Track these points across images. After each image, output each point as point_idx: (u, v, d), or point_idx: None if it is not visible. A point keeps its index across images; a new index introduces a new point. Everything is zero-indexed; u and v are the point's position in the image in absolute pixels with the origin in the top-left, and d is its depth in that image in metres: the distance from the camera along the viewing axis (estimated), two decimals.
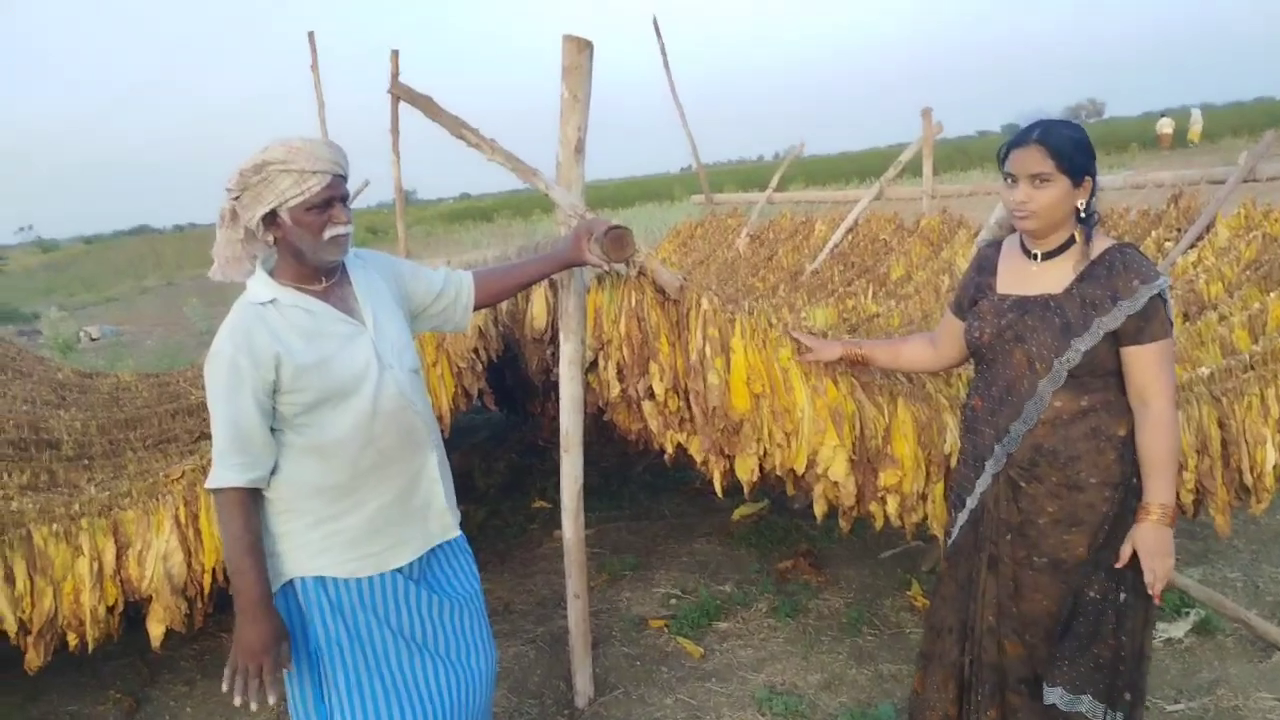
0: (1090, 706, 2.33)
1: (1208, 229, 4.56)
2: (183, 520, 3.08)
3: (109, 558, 3.03)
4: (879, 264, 6.23)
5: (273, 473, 2.10)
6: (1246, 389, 3.03)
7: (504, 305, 3.47)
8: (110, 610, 3.06)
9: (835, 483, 2.97)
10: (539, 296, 3.35)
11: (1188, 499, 2.98)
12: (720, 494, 3.21)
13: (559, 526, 3.28)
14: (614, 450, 5.54)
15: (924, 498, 3.05)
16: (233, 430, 2.03)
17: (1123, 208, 5.43)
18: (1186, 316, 3.88)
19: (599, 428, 4.06)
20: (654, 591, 4.35)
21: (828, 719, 3.25)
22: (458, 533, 2.38)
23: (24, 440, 4.12)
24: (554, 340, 3.25)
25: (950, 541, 2.55)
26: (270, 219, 2.07)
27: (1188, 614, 3.66)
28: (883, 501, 3.03)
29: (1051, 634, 2.36)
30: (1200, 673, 3.37)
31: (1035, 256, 2.34)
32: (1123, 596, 2.31)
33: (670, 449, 3.18)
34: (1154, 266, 2.24)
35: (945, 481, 3.01)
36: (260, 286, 2.12)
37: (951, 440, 2.96)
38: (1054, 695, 2.34)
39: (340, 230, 2.09)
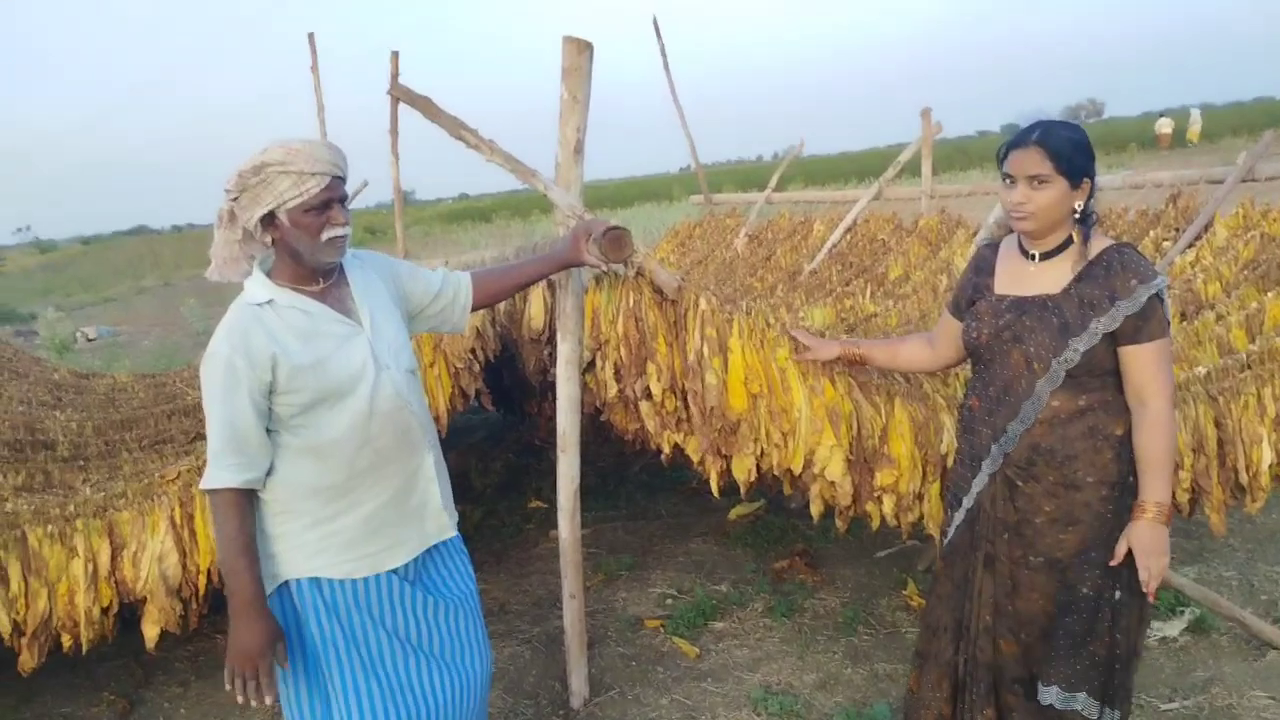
0: (1085, 704, 2.33)
1: (1206, 229, 4.56)
2: (178, 521, 3.07)
3: (104, 559, 3.02)
4: (877, 264, 6.24)
5: (268, 474, 2.10)
6: (1243, 388, 3.03)
7: (502, 305, 3.47)
8: (105, 611, 3.05)
9: (832, 482, 2.98)
10: (537, 297, 3.35)
11: (1183, 498, 2.99)
12: (717, 494, 3.21)
13: (555, 526, 3.28)
14: (611, 450, 5.54)
15: (920, 497, 3.05)
16: (228, 431, 2.02)
17: (1121, 207, 5.43)
18: (1184, 316, 3.89)
19: (596, 428, 4.06)
20: (650, 591, 4.34)
21: (823, 719, 3.25)
22: (454, 533, 2.38)
23: (19, 441, 4.11)
24: (551, 340, 3.25)
25: (946, 541, 2.55)
26: (268, 220, 2.07)
27: (1183, 613, 3.66)
28: (879, 501, 3.04)
29: (1048, 633, 2.36)
30: (1195, 671, 3.38)
31: (1033, 257, 2.34)
32: (1118, 594, 2.31)
33: (667, 449, 3.18)
34: (1152, 266, 2.24)
35: (941, 481, 3.01)
36: (257, 287, 2.12)
37: (948, 440, 2.96)
38: (1050, 694, 2.34)
39: (338, 232, 2.09)
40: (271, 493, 2.11)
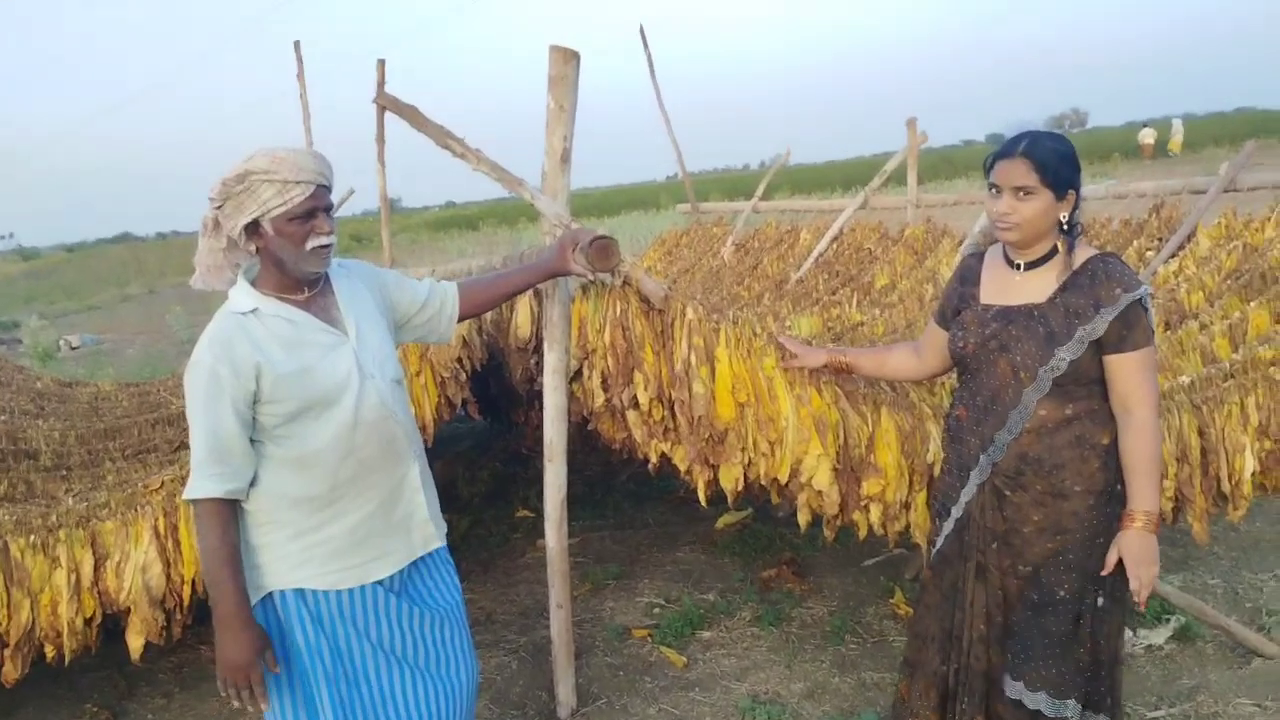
0: (1074, 711, 2.34)
1: (1189, 238, 4.59)
2: (162, 531, 3.04)
3: (87, 569, 3.00)
4: (863, 273, 6.25)
5: (252, 484, 2.09)
6: (1226, 397, 3.05)
7: (488, 314, 3.46)
8: (88, 622, 3.02)
9: (819, 491, 2.98)
10: (523, 306, 3.34)
11: (1167, 506, 3.00)
12: (704, 503, 3.20)
13: (542, 536, 3.27)
14: (598, 459, 5.53)
15: (907, 506, 3.06)
16: (212, 440, 2.01)
17: (1105, 217, 5.46)
18: (1168, 325, 3.91)
19: (583, 437, 4.05)
20: (637, 601, 4.34)
21: None
22: (441, 543, 2.37)
23: (1, 451, 4.08)
24: (538, 349, 3.24)
25: (935, 550, 2.55)
26: (252, 228, 2.06)
27: (1168, 620, 3.68)
28: (866, 510, 3.04)
29: (1025, 633, 2.37)
30: (1180, 679, 3.39)
31: (1018, 266, 2.35)
32: (1100, 601, 2.33)
33: (654, 458, 3.18)
34: (1136, 275, 2.26)
35: (928, 490, 3.02)
36: (242, 296, 2.11)
37: (934, 449, 2.97)
38: (1039, 700, 2.35)
39: (323, 241, 2.08)
40: (255, 503, 2.10)
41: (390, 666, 2.20)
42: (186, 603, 3.11)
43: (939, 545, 2.53)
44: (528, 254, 3.24)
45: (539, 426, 3.24)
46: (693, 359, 2.92)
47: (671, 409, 3.02)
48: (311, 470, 2.10)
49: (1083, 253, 2.28)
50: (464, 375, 3.53)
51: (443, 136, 2.97)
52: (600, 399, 3.11)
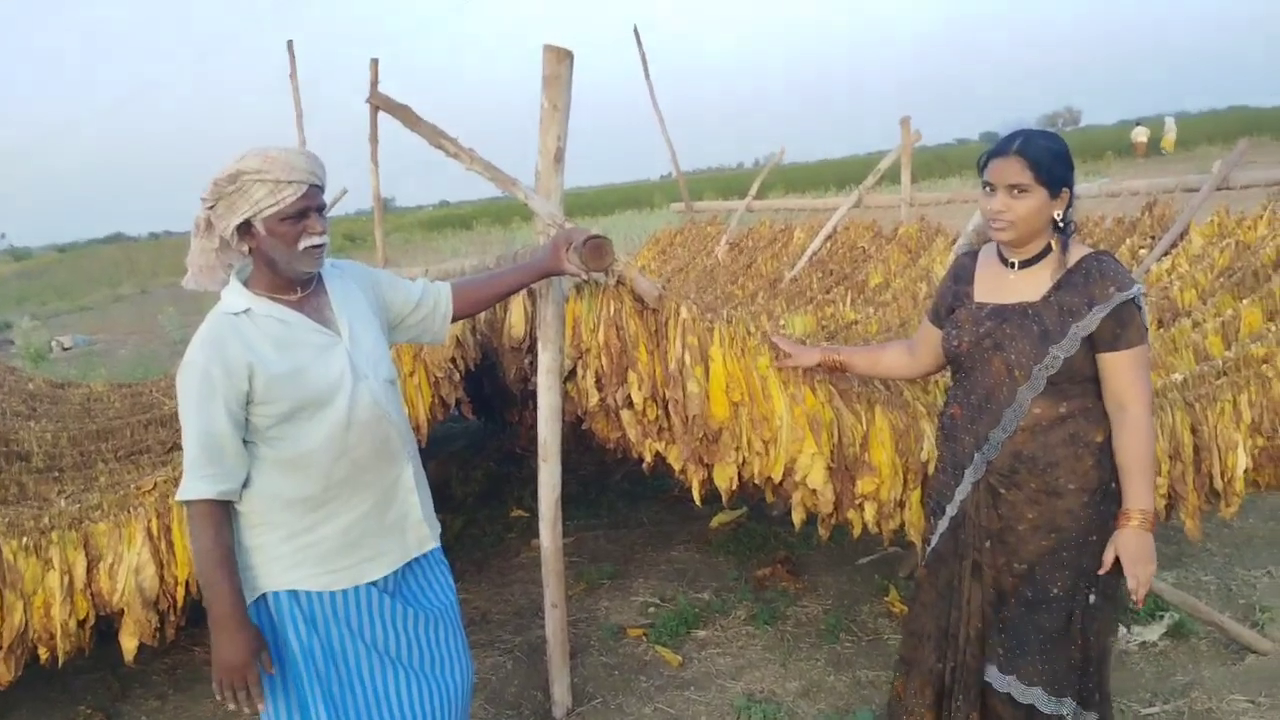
0: (1071, 709, 2.35)
1: (1181, 236, 4.61)
2: (155, 533, 3.04)
3: (80, 571, 2.99)
4: (857, 271, 6.26)
5: (244, 485, 2.08)
6: (1219, 395, 3.06)
7: (482, 314, 3.45)
8: (81, 624, 3.02)
9: (813, 490, 2.98)
10: (517, 305, 3.34)
11: (1160, 504, 3.01)
12: (699, 502, 3.20)
13: (537, 535, 3.26)
14: (592, 458, 5.53)
15: (901, 504, 3.06)
16: (204, 441, 2.01)
17: (1098, 215, 5.48)
18: (1160, 323, 3.92)
19: (577, 436, 4.05)
20: (632, 600, 4.33)
21: None
22: (435, 544, 2.36)
23: None
24: (532, 349, 3.24)
25: (930, 549, 2.55)
26: (245, 229, 2.05)
27: (1162, 617, 3.69)
28: (860, 508, 3.04)
29: (1019, 628, 2.37)
30: (1174, 676, 3.40)
31: (1012, 265, 2.35)
32: (1092, 599, 2.33)
33: (649, 458, 3.18)
34: (1129, 274, 2.27)
35: (922, 488, 3.02)
36: (234, 296, 2.10)
37: (928, 447, 2.97)
38: (1033, 695, 2.35)
39: (315, 241, 2.08)
40: (248, 504, 2.09)
41: (384, 667, 2.19)
42: (180, 604, 3.10)
43: (934, 543, 2.53)
44: (521, 253, 3.24)
45: (533, 426, 3.23)
46: (687, 358, 2.91)
47: (666, 408, 3.02)
48: (305, 471, 2.09)
49: (1076, 251, 2.29)
50: (458, 375, 3.53)
51: (435, 136, 2.97)
52: (594, 398, 3.11)
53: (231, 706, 2.05)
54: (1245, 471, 3.04)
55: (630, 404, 3.05)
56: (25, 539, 2.97)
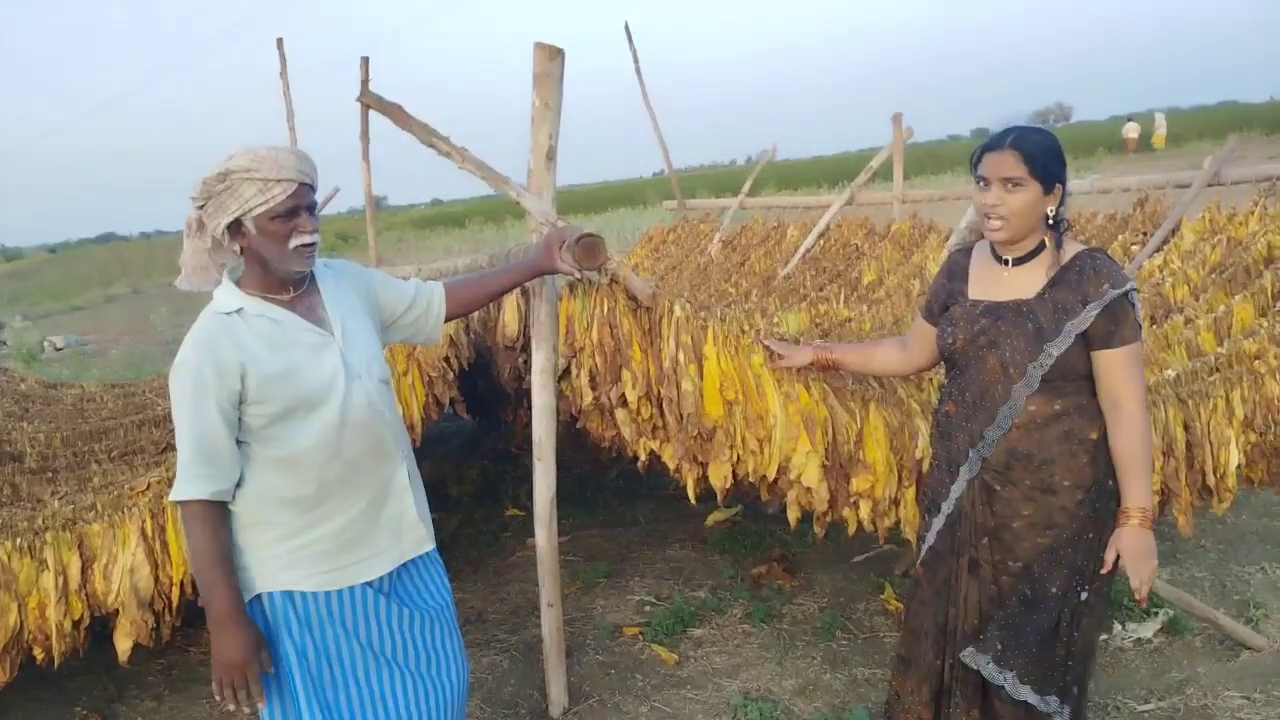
0: (1055, 706, 2.37)
1: (1173, 233, 4.62)
2: (149, 533, 3.03)
3: (74, 572, 2.98)
4: (850, 269, 6.27)
5: (238, 485, 2.07)
6: (1212, 391, 3.07)
7: (476, 313, 3.45)
8: (76, 625, 3.01)
9: (808, 488, 2.98)
10: (511, 304, 3.34)
11: (1153, 500, 3.01)
12: (694, 500, 3.21)
13: (532, 534, 3.26)
14: (587, 456, 5.52)
15: (896, 502, 3.07)
16: (197, 441, 2.00)
17: (1090, 212, 5.49)
18: (1153, 320, 3.93)
19: (572, 434, 4.05)
20: (628, 598, 4.33)
21: None
22: (431, 546, 2.36)
23: None
24: (526, 348, 3.24)
25: (926, 546, 2.55)
26: (235, 228, 2.04)
27: (1156, 614, 3.69)
28: (855, 506, 3.04)
29: (1017, 628, 2.38)
30: (1170, 672, 3.41)
31: (1006, 262, 2.36)
32: (1084, 596, 2.34)
33: (643, 456, 3.18)
34: (1123, 271, 2.27)
35: (917, 486, 3.02)
36: (226, 296, 2.10)
37: (923, 445, 2.98)
38: (1024, 693, 2.36)
39: (306, 240, 2.07)
40: (242, 504, 2.09)
41: (380, 668, 2.19)
42: (175, 605, 3.10)
43: (931, 541, 2.53)
44: (514, 252, 3.23)
45: (527, 425, 3.23)
46: (681, 357, 2.91)
47: (660, 407, 3.02)
48: (298, 471, 2.08)
49: (1069, 248, 2.30)
50: (452, 374, 3.52)
51: (427, 135, 2.96)
52: (588, 397, 3.10)
53: (231, 707, 2.05)
54: (1238, 467, 3.05)
55: (624, 403, 3.05)
56: (19, 540, 2.96)
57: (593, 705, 3.44)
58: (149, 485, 3.19)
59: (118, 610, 3.02)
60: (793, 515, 3.09)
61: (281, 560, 2.10)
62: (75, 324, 19.85)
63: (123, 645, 3.05)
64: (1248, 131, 24.82)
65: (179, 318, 13.64)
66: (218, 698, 2.04)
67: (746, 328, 3.03)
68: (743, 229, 7.88)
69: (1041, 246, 2.30)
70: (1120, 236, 4.98)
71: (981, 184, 2.29)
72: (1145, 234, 4.86)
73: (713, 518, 5.05)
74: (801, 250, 6.80)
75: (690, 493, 3.14)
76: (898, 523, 3.09)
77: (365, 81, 5.09)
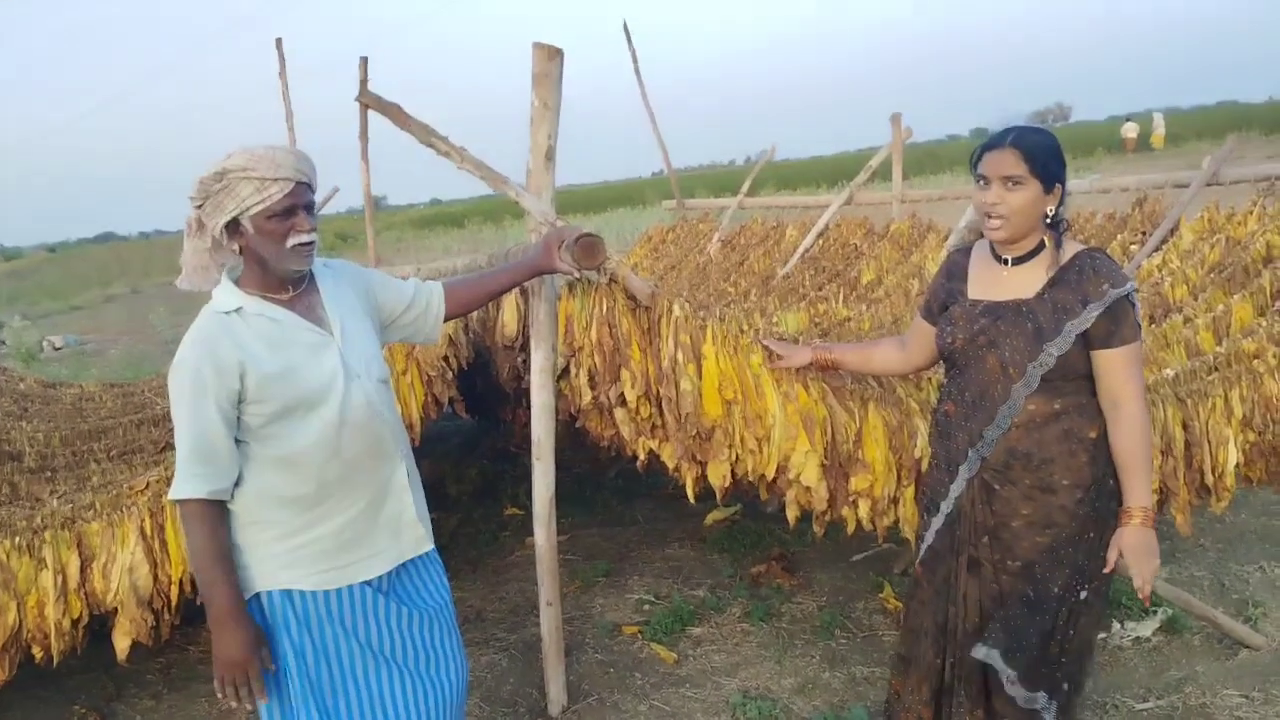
0: (1044, 703, 2.37)
1: (1172, 233, 4.62)
2: (148, 532, 3.03)
3: (73, 570, 2.98)
4: (849, 268, 6.27)
5: (237, 484, 2.07)
6: (1211, 390, 3.07)
7: (475, 313, 3.45)
8: (75, 624, 3.01)
9: (807, 487, 2.98)
10: (510, 304, 3.34)
11: (1152, 499, 3.02)
12: (693, 499, 3.21)
13: (531, 533, 3.26)
14: (586, 455, 5.52)
15: (895, 501, 3.07)
16: (196, 440, 2.00)
17: (1089, 211, 5.49)
18: (1152, 319, 3.93)
19: (571, 434, 4.05)
20: (627, 597, 4.34)
21: None
22: (430, 545, 2.36)
23: None
24: (525, 347, 3.24)
25: (926, 545, 2.55)
26: (233, 227, 2.05)
27: (1155, 613, 3.70)
28: (854, 505, 3.05)
29: (1018, 629, 2.38)
30: (1168, 671, 3.41)
31: (1006, 262, 2.36)
32: (1083, 595, 2.34)
33: (642, 455, 3.18)
34: (1123, 271, 2.28)
35: (916, 485, 3.03)
36: (225, 295, 2.10)
37: (922, 444, 2.98)
38: (1017, 691, 2.36)
39: (304, 239, 2.07)
40: (241, 503, 2.09)
41: (379, 667, 2.19)
42: (174, 603, 3.09)
43: (930, 540, 2.53)
44: (513, 252, 3.23)
45: (526, 424, 3.23)
46: (680, 356, 2.92)
47: (659, 406, 3.02)
48: (297, 470, 2.09)
49: (1069, 248, 2.30)
50: (451, 374, 3.52)
51: (426, 135, 2.96)
52: (587, 397, 3.11)
53: (234, 704, 2.05)
54: (1236, 467, 3.06)
55: (623, 402, 3.05)
56: (18, 539, 2.96)
57: (592, 704, 3.44)
58: (148, 484, 3.19)
59: (116, 609, 3.02)
60: (792, 514, 3.10)
61: (280, 559, 2.10)
62: (74, 323, 19.85)
63: (121, 644, 3.05)
64: (1246, 131, 24.81)
65: (178, 317, 13.62)
66: (219, 695, 2.04)
67: (745, 327, 3.03)
68: (742, 229, 7.88)
69: (1041, 246, 2.31)
70: (1119, 236, 4.98)
71: (981, 183, 2.29)
72: (1144, 233, 4.86)
73: (712, 517, 5.05)
74: (800, 250, 6.81)
75: (689, 492, 3.14)
76: (896, 522, 3.09)
77: (364, 81, 5.09)
